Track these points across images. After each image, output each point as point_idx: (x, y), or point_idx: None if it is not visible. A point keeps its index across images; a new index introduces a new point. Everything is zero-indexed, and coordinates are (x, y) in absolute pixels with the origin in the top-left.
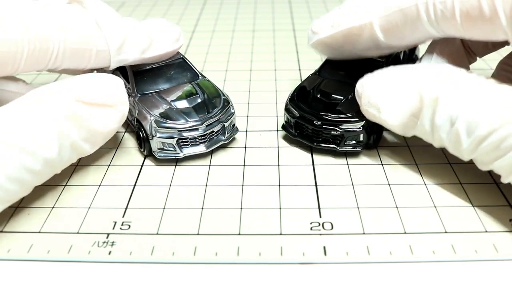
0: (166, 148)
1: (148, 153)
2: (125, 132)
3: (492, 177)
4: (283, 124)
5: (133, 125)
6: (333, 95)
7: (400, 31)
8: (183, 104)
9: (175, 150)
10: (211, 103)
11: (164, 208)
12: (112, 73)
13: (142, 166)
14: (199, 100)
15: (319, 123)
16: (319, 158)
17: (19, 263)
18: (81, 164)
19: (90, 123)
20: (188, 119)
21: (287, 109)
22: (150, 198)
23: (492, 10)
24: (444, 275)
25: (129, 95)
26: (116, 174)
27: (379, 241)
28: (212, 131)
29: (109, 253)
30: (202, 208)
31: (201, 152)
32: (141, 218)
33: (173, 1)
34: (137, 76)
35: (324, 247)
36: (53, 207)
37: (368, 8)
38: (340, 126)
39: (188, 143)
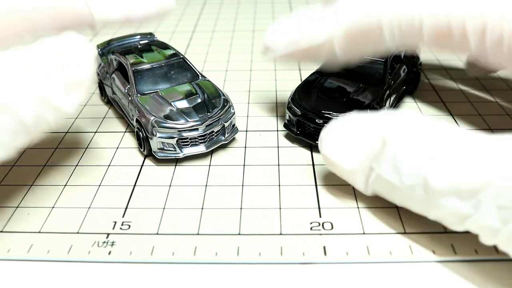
0: (166, 148)
1: (148, 153)
2: (125, 132)
3: None
4: (285, 122)
5: (133, 125)
6: (334, 94)
7: (359, 49)
8: (183, 104)
9: (175, 150)
10: (211, 103)
11: (164, 208)
12: (113, 72)
13: (142, 166)
14: (199, 100)
15: (321, 121)
16: (319, 158)
17: (19, 263)
18: (81, 164)
19: (59, 69)
20: (188, 119)
21: (289, 108)
22: (150, 198)
23: (462, 36)
24: (444, 275)
25: (129, 95)
26: (116, 174)
27: (379, 241)
28: (212, 131)
29: (109, 253)
30: (202, 208)
31: (201, 152)
32: (141, 218)
33: None
34: (137, 76)
35: (324, 247)
36: (53, 207)
37: (326, 26)
38: None
39: (188, 143)
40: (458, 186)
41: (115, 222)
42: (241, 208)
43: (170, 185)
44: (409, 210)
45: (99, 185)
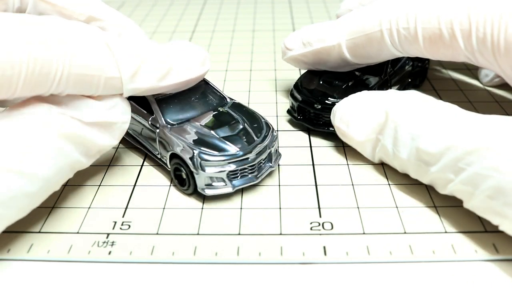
0: (215, 184)
1: (193, 191)
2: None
3: None
4: (288, 108)
5: (164, 162)
6: (334, 82)
7: (366, 52)
8: (225, 132)
9: (226, 184)
10: (254, 128)
11: (164, 208)
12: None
13: (142, 166)
14: (241, 127)
15: (319, 106)
16: (319, 158)
17: (19, 263)
18: None
19: (89, 141)
20: (238, 149)
21: (291, 94)
22: (150, 198)
23: (452, 37)
24: (444, 275)
25: (156, 128)
26: (116, 174)
27: (379, 241)
28: (261, 159)
29: (109, 253)
30: (202, 208)
31: (252, 183)
32: (141, 218)
33: (173, 1)
34: (162, 105)
35: (324, 247)
36: (53, 207)
37: (335, 30)
38: None
39: (237, 174)
40: (443, 155)
41: (115, 222)
42: (241, 208)
43: (170, 185)
44: (409, 210)
45: (99, 185)
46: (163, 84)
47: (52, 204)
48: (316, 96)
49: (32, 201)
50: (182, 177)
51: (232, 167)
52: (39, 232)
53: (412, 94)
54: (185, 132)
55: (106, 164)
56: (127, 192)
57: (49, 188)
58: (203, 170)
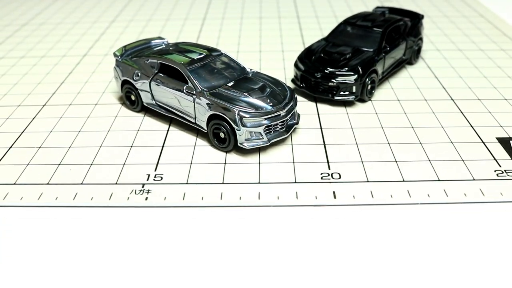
0: (253, 138)
1: (232, 148)
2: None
3: (480, 138)
4: (293, 78)
5: (199, 126)
6: (333, 55)
7: None
8: (257, 94)
9: (262, 138)
10: (279, 90)
11: (191, 164)
12: (154, 76)
13: (168, 131)
14: (268, 89)
15: (319, 75)
16: (326, 123)
17: (65, 209)
18: (112, 130)
19: None
20: (271, 106)
21: (295, 65)
22: (178, 156)
23: None
24: (437, 215)
25: (191, 94)
26: (145, 137)
27: (381, 187)
28: (288, 117)
29: (146, 199)
30: (225, 163)
31: (283, 137)
32: (171, 171)
33: None
34: (194, 74)
35: (334, 192)
36: (91, 164)
37: None
38: (336, 79)
39: (270, 130)
40: None
41: (149, 175)
42: (259, 163)
43: (195, 145)
44: (407, 163)
45: (131, 146)
46: None
47: (90, 161)
48: (317, 66)
49: None
50: (221, 137)
51: (268, 123)
52: (82, 183)
53: None
54: (222, 96)
55: (135, 130)
56: (156, 152)
57: None
58: (244, 125)
